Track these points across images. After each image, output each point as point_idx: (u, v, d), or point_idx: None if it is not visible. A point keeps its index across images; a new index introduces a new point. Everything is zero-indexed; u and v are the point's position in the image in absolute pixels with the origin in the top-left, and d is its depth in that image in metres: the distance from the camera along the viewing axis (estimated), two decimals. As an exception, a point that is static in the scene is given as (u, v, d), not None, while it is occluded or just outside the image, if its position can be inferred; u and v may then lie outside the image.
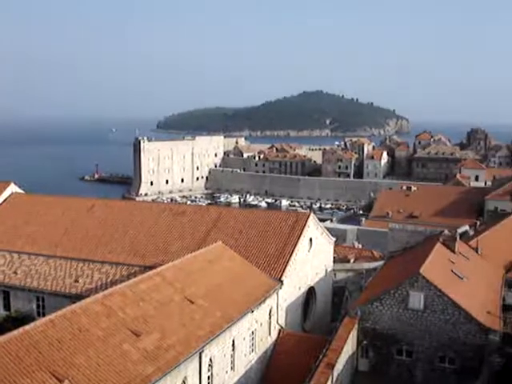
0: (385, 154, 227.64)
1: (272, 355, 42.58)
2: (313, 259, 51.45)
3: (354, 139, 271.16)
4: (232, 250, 45.25)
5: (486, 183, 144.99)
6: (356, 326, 42.04)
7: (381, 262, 57.41)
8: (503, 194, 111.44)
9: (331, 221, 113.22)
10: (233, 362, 36.54)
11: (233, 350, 36.33)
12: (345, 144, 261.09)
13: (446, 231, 52.64)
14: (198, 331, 32.43)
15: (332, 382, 35.74)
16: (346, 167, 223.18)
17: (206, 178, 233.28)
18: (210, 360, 33.16)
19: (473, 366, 39.70)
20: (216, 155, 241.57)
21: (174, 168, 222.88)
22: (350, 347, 40.93)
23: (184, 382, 30.12)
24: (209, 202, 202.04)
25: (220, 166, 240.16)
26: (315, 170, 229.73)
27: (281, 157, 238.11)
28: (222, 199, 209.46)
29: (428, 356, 41.89)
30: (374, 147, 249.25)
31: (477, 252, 54.82)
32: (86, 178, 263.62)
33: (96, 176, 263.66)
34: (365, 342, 43.11)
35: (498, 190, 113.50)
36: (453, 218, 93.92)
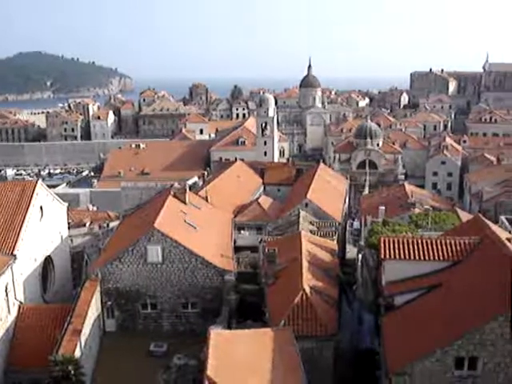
0: (111, 113, 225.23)
1: (15, 333, 40.58)
2: (46, 228, 49.55)
3: (78, 100, 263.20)
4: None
5: (210, 136, 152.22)
6: (98, 287, 41.99)
7: (117, 222, 57.58)
8: (226, 144, 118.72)
9: (67, 184, 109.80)
10: (-30, 348, 34.05)
11: (-32, 335, 33.79)
12: (69, 106, 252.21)
13: (176, 184, 54.52)
14: None
15: (80, 347, 35.52)
16: (73, 129, 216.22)
17: None
18: None
19: (213, 307, 42.57)
20: None
21: None
22: (94, 310, 40.85)
23: None
24: None
25: None
26: (40, 135, 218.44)
27: (0, 123, 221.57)
28: None
29: (172, 305, 43.82)
30: (99, 107, 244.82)
31: (207, 201, 57.87)
32: None
33: None
34: (109, 303, 43.32)
35: (221, 141, 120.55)
36: (182, 171, 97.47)
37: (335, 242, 49.23)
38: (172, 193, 51.87)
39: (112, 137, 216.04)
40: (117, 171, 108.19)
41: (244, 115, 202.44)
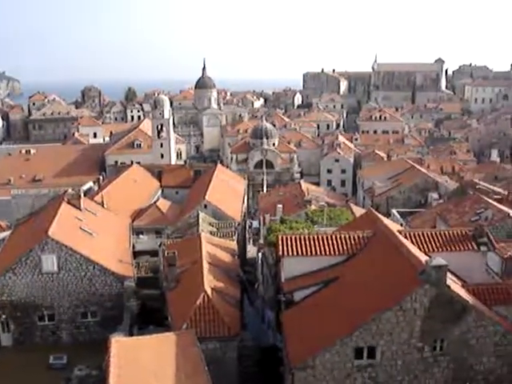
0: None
1: None
2: None
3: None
4: None
5: (104, 139, 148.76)
6: (-9, 302, 40.15)
7: (8, 232, 55.16)
8: (121, 147, 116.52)
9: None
10: None
11: None
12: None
13: (70, 190, 52.90)
14: None
15: (-27, 365, 33.84)
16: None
17: None
18: None
19: (114, 315, 41.72)
20: None
21: None
22: (-13, 325, 39.01)
23: None
24: None
25: None
26: None
27: None
28: None
29: (70, 315, 42.66)
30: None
31: (103, 206, 56.60)
32: None
33: None
34: (3, 316, 41.64)
35: (116, 145, 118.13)
36: (76, 177, 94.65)
37: (235, 242, 49.63)
38: (66, 199, 50.29)
39: (0, 143, 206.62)
40: (6, 179, 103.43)
41: (139, 117, 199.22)
